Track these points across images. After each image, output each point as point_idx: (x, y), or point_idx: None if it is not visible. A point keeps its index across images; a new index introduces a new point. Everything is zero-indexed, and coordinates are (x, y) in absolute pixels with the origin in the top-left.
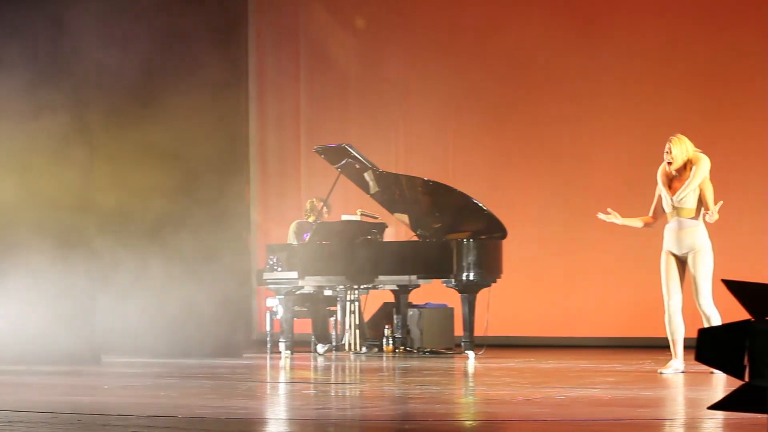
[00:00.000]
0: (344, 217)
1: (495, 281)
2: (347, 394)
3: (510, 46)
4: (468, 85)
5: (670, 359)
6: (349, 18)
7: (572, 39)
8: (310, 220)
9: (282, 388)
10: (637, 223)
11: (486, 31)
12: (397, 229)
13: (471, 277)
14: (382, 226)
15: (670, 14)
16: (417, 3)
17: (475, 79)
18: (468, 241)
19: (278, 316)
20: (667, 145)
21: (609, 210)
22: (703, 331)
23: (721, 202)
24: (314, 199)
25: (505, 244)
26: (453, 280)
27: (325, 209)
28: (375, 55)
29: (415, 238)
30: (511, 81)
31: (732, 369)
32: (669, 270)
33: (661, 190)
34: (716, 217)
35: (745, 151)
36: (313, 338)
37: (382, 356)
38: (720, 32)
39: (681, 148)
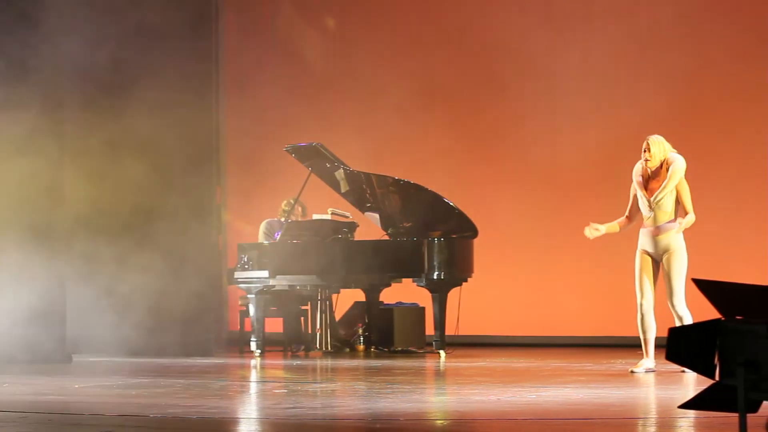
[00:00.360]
0: (315, 216)
1: (466, 280)
2: (318, 394)
3: (480, 44)
4: (439, 84)
5: (642, 358)
6: (320, 13)
7: (543, 38)
8: (283, 219)
9: (253, 388)
10: (615, 228)
11: (457, 28)
12: (368, 229)
13: (442, 277)
14: (353, 225)
15: (641, 14)
16: None
17: (446, 77)
18: (439, 240)
19: (249, 315)
20: (644, 144)
21: (590, 224)
22: (673, 330)
23: (691, 220)
24: (291, 200)
25: (476, 243)
26: (424, 279)
27: (299, 209)
28: (346, 51)
29: (386, 237)
30: (482, 78)
31: (702, 368)
32: (643, 269)
33: (638, 190)
34: (691, 220)
35: (716, 151)
36: (285, 337)
37: (353, 355)
38: (691, 33)
39: (659, 148)
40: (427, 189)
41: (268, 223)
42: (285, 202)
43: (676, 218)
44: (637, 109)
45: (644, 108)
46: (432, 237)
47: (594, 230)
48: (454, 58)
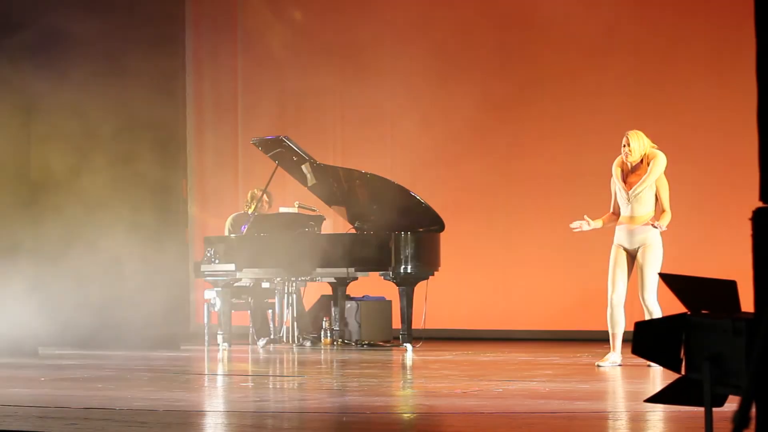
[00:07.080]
0: (282, 210)
1: (432, 274)
2: (285, 387)
3: (445, 37)
4: (405, 77)
5: (608, 352)
6: (287, 8)
7: (506, 29)
8: (250, 211)
9: (220, 381)
10: (599, 224)
11: (421, 19)
12: (335, 222)
13: (408, 270)
14: (319, 219)
15: (607, 5)
16: None
17: (412, 71)
18: (405, 233)
19: (216, 309)
20: (624, 139)
21: (585, 218)
22: (639, 324)
23: (668, 220)
24: (255, 189)
25: (443, 236)
26: (391, 272)
27: (265, 198)
28: (313, 45)
29: (353, 231)
30: (448, 74)
31: (668, 362)
32: (617, 263)
33: (616, 183)
34: (667, 219)
35: (687, 145)
36: (251, 330)
37: (320, 349)
38: (657, 25)
39: (639, 142)
40: (393, 183)
41: (235, 218)
42: (250, 192)
43: (654, 213)
44: (604, 100)
45: (610, 99)
46: (399, 231)
47: (584, 223)
48: (419, 52)
